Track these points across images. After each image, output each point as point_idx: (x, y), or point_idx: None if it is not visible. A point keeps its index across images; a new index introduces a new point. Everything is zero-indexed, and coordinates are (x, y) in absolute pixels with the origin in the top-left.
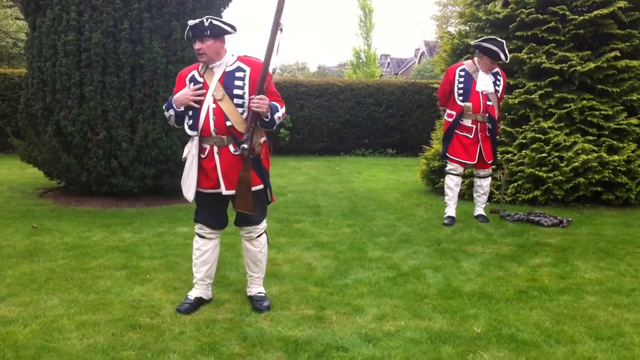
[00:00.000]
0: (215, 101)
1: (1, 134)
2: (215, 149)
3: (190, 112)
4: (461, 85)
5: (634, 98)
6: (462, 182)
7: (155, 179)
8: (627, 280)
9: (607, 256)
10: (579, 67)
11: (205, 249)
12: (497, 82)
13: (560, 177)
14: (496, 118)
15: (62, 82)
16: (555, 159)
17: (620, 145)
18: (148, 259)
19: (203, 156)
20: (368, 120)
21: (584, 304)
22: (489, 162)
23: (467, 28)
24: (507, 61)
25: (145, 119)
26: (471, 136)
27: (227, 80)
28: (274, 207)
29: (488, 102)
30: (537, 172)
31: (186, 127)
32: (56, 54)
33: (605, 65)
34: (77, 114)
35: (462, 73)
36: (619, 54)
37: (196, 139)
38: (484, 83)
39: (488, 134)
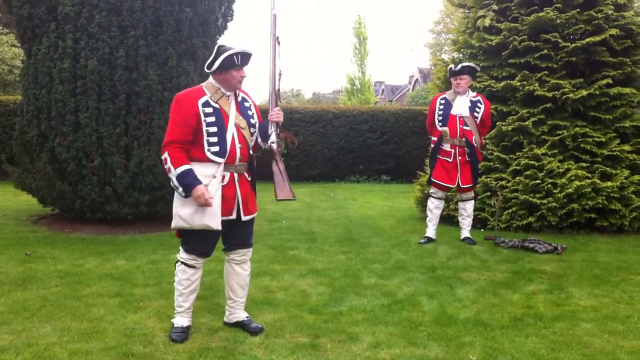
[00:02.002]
0: (238, 129)
1: None
2: (236, 176)
3: (216, 139)
4: (441, 112)
5: (627, 125)
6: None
7: (150, 205)
8: (622, 307)
9: (602, 283)
10: (571, 95)
11: (194, 278)
12: (477, 109)
13: (554, 204)
14: (474, 142)
15: (58, 109)
16: (549, 185)
17: (614, 171)
18: (142, 287)
19: (223, 184)
20: (363, 146)
21: (579, 331)
22: (467, 187)
23: (461, 55)
24: (457, 69)
25: (140, 145)
26: (450, 160)
27: (243, 110)
28: (269, 234)
29: (465, 127)
30: (531, 199)
31: (209, 153)
32: (52, 81)
33: (597, 92)
34: (72, 141)
35: (443, 101)
36: (611, 82)
37: (222, 166)
38: (459, 107)
39: (468, 159)
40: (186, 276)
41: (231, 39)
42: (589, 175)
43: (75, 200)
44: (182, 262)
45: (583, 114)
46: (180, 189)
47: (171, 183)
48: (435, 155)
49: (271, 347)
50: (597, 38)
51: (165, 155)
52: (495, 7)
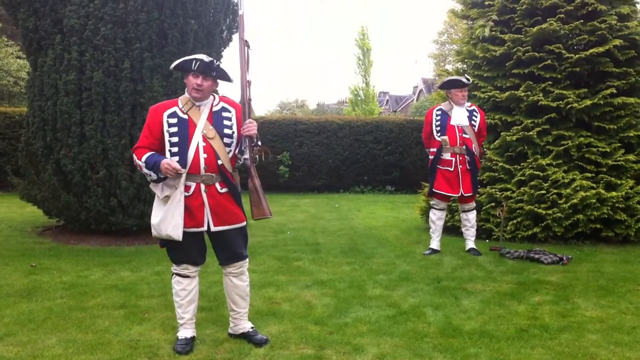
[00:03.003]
0: (205, 139)
1: (1, 172)
2: (203, 187)
3: (177, 149)
4: (438, 122)
5: (631, 135)
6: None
7: None
8: (628, 318)
9: (608, 294)
10: (575, 105)
11: (191, 287)
12: (474, 118)
13: (559, 214)
14: (474, 150)
15: (63, 121)
16: (554, 195)
17: (619, 181)
18: (146, 298)
19: (187, 194)
20: (367, 157)
21: (585, 342)
22: (468, 195)
23: (465, 66)
24: (470, 82)
25: None
26: (452, 169)
27: (216, 120)
28: (273, 245)
29: (464, 135)
30: (536, 209)
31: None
32: (57, 93)
33: (601, 102)
34: (77, 153)
35: (439, 112)
36: (615, 91)
37: (183, 176)
38: (459, 117)
39: (468, 167)
40: (181, 287)
41: (235, 52)
42: (594, 185)
43: (81, 212)
44: (175, 274)
45: (587, 124)
46: (152, 173)
47: (148, 178)
48: (435, 166)
49: (276, 359)
50: (601, 49)
51: (134, 157)
52: (494, 17)
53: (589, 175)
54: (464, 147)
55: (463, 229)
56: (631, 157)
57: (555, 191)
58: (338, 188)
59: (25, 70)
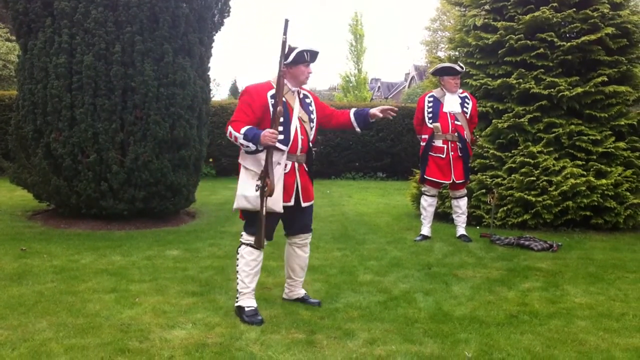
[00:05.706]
0: (300, 122)
1: None
2: (297, 165)
3: (281, 128)
4: (430, 109)
5: (622, 123)
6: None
7: (145, 201)
8: (617, 305)
9: (597, 281)
10: (567, 92)
11: (260, 259)
12: (466, 105)
13: (549, 201)
14: (465, 138)
15: (53, 105)
16: (544, 183)
17: (609, 169)
18: (137, 282)
19: (286, 171)
20: (358, 144)
21: (574, 328)
22: (460, 182)
23: (457, 53)
24: (463, 70)
25: (136, 141)
26: (443, 156)
27: (305, 106)
28: None
29: (456, 122)
30: (526, 196)
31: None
32: (47, 77)
33: (593, 90)
34: (67, 137)
35: (431, 99)
36: (606, 79)
37: (285, 154)
38: (451, 104)
39: (460, 154)
40: (253, 257)
41: (227, 36)
42: (584, 173)
43: (71, 196)
44: (248, 245)
45: (579, 112)
46: (251, 144)
47: (244, 149)
48: (427, 153)
49: (267, 343)
50: (593, 37)
51: (229, 129)
52: (487, 7)
53: (580, 162)
54: (455, 134)
55: (454, 216)
56: (621, 144)
57: (546, 178)
58: (329, 174)
59: (15, 53)
